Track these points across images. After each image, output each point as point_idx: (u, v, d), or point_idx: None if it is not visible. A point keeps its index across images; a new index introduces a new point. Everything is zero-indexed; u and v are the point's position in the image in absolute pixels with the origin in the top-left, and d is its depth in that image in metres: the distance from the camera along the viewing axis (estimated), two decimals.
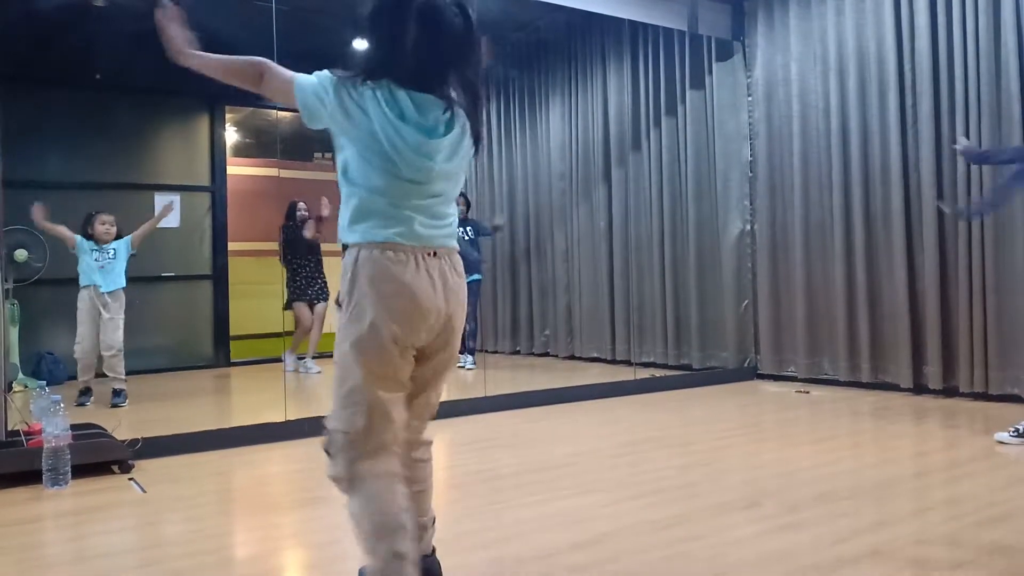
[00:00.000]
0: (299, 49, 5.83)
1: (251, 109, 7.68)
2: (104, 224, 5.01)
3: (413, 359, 1.67)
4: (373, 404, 1.60)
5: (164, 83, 6.45)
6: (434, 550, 1.87)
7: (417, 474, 1.79)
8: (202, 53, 1.68)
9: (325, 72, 1.65)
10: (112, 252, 5.02)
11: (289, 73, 1.67)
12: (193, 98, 6.97)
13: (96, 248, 4.98)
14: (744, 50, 5.72)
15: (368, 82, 1.62)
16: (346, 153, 1.67)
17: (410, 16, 1.60)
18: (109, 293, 4.98)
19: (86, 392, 5.01)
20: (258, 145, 8.08)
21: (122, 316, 5.02)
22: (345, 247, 1.68)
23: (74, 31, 5.75)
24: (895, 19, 4.74)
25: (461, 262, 1.74)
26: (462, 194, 6.94)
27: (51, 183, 6.09)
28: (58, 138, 6.25)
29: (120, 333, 4.99)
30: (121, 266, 5.06)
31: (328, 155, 8.11)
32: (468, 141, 1.73)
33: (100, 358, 4.99)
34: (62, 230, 5.04)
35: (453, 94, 1.68)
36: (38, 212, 4.95)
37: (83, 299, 4.97)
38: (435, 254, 1.66)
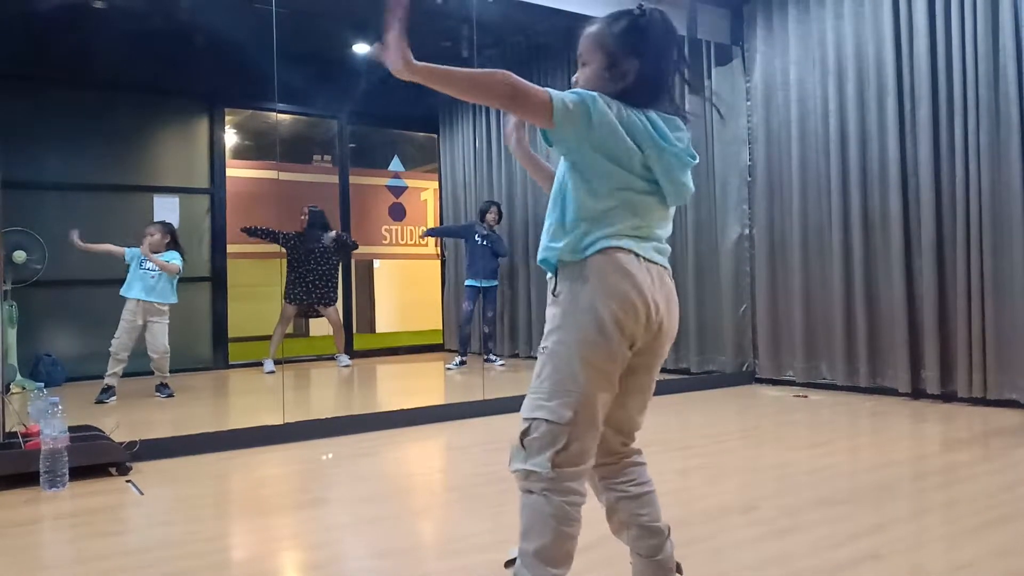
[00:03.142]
0: (299, 52, 5.86)
1: (250, 112, 7.69)
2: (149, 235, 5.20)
3: (627, 357, 1.58)
4: (584, 397, 1.52)
5: (163, 84, 6.48)
6: (679, 569, 1.72)
7: (639, 476, 1.72)
8: (433, 66, 1.43)
9: (580, 90, 1.60)
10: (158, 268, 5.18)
11: (537, 87, 1.54)
12: (192, 99, 6.97)
13: (143, 259, 5.15)
14: (743, 54, 5.73)
15: (624, 106, 1.60)
16: (586, 170, 1.63)
17: (658, 32, 1.63)
18: (156, 304, 5.15)
19: (108, 390, 5.03)
20: (257, 147, 8.08)
21: (167, 321, 5.22)
22: (556, 269, 1.59)
23: (74, 31, 5.76)
24: (894, 23, 4.75)
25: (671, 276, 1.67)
26: (495, 204, 6.98)
27: (49, 184, 6.10)
28: (57, 139, 6.24)
29: (166, 337, 5.20)
30: (168, 281, 5.24)
31: (327, 157, 8.11)
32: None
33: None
34: (107, 247, 5.21)
35: (680, 107, 1.71)
36: (76, 237, 5.13)
37: (128, 309, 5.12)
38: (653, 261, 1.61)
